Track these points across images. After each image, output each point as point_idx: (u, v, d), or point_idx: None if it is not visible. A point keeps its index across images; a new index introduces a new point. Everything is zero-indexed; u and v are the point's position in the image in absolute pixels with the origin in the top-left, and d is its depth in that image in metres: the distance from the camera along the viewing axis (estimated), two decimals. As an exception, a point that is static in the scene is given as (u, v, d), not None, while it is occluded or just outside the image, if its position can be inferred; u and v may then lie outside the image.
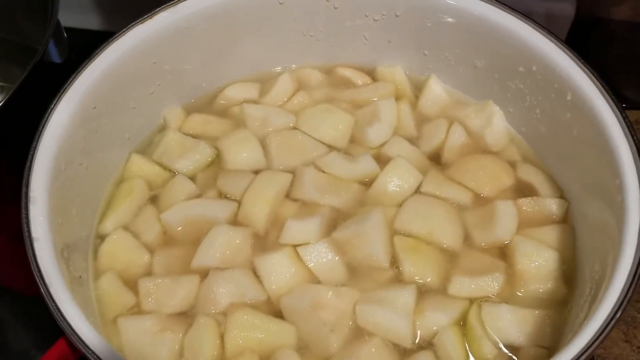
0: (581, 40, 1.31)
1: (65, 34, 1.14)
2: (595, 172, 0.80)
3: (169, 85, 0.98)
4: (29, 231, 0.70)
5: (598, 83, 0.80)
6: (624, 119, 0.76)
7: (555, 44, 0.84)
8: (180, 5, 0.93)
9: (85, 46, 1.06)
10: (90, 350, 0.62)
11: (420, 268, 0.81)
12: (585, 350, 0.61)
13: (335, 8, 0.98)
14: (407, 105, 0.99)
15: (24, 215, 0.71)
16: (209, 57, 1.00)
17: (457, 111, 0.98)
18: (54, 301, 0.65)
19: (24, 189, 0.73)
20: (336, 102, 1.01)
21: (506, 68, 0.91)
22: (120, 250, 0.86)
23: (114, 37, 0.89)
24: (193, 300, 0.81)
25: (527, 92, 0.90)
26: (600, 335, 0.61)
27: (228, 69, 1.04)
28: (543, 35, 0.85)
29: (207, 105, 1.04)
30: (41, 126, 0.79)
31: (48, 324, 1.09)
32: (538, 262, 0.81)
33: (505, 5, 0.88)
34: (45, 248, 0.70)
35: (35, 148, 0.77)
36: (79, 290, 0.76)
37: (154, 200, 0.92)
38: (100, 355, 0.62)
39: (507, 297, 0.80)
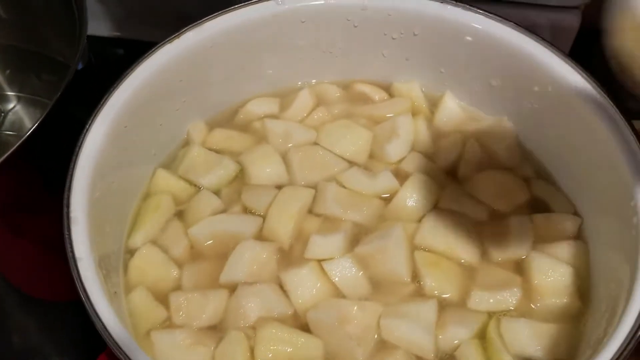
0: (585, 51, 1.34)
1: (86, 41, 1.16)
2: (610, 192, 0.83)
3: (193, 102, 1.01)
4: (72, 251, 0.72)
5: (615, 108, 0.83)
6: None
7: (573, 67, 0.88)
8: (206, 24, 0.96)
9: (99, 51, 1.09)
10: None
11: (441, 283, 0.84)
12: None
13: (355, 27, 1.01)
14: (423, 121, 1.02)
15: (66, 236, 0.74)
16: (231, 74, 1.03)
17: (472, 127, 1.01)
18: (101, 320, 0.68)
19: (65, 209, 0.76)
20: (354, 117, 1.04)
21: (521, 87, 0.95)
22: (150, 265, 0.89)
23: (143, 56, 0.91)
24: (222, 314, 0.84)
25: (542, 112, 0.94)
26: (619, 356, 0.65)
27: (249, 84, 1.07)
28: (558, 57, 0.89)
29: (229, 119, 1.07)
30: (78, 146, 0.82)
31: (72, 331, 1.13)
32: (553, 277, 0.84)
33: (523, 27, 0.91)
34: (89, 268, 0.72)
35: (73, 168, 0.80)
36: (116, 306, 0.79)
37: (180, 215, 0.95)
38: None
39: (524, 311, 0.83)
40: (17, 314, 1.15)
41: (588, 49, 1.36)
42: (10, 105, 1.32)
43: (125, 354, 0.66)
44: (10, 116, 1.32)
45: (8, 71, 1.31)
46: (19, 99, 1.32)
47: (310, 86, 1.09)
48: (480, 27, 0.95)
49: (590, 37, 1.34)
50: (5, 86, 1.31)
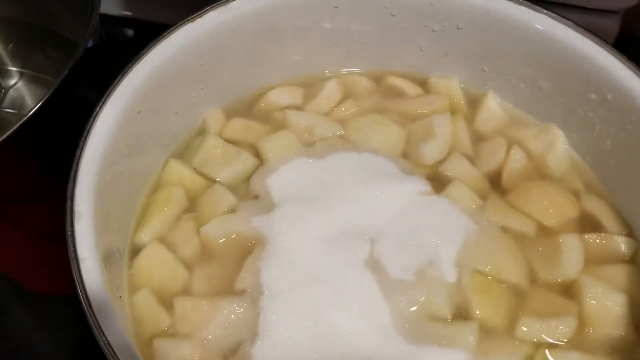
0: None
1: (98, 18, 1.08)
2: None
3: (212, 88, 0.93)
4: (75, 252, 0.64)
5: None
6: None
7: (636, 73, 0.79)
8: (231, 4, 0.88)
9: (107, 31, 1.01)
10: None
11: (489, 310, 0.75)
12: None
13: (393, 15, 0.93)
14: (462, 121, 0.93)
15: (69, 233, 0.65)
16: (254, 59, 0.95)
17: (516, 131, 0.93)
18: (104, 335, 0.59)
19: (68, 203, 0.67)
20: (386, 113, 0.95)
21: (575, 93, 0.86)
22: (157, 266, 0.81)
23: (161, 36, 0.83)
24: (236, 326, 0.75)
25: (597, 121, 0.85)
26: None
27: (272, 71, 0.98)
28: (623, 63, 0.81)
29: (248, 107, 0.98)
30: (86, 132, 0.73)
31: (71, 325, 1.05)
32: (606, 305, 0.76)
33: (582, 27, 0.83)
34: (92, 270, 0.64)
35: (79, 157, 0.71)
36: (120, 312, 0.71)
37: (191, 210, 0.87)
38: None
39: (575, 341, 0.74)
40: (14, 307, 1.08)
41: (626, 55, 1.29)
42: (12, 81, 1.23)
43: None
44: (11, 93, 1.23)
45: (11, 45, 1.22)
46: (21, 75, 1.24)
47: (338, 76, 1.00)
48: (530, 22, 0.86)
49: (629, 43, 1.28)
50: (7, 61, 1.23)
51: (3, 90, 1.22)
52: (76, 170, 0.70)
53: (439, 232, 0.80)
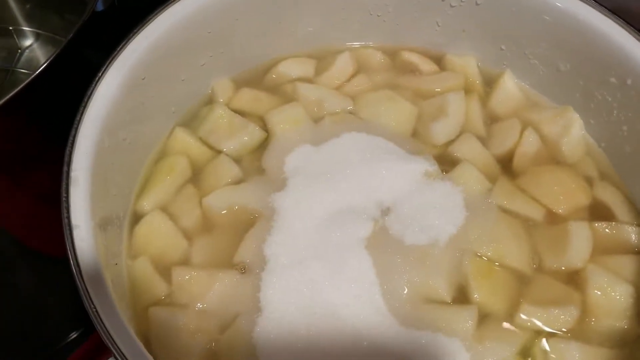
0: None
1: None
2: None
3: (221, 57, 0.91)
4: (68, 217, 0.63)
5: None
6: None
7: (660, 59, 0.76)
8: (243, -29, 0.85)
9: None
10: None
11: (489, 296, 0.74)
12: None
13: (410, -11, 0.90)
14: (477, 101, 0.91)
15: (64, 199, 0.65)
16: (266, 28, 0.93)
17: (531, 113, 0.90)
18: (93, 303, 0.59)
19: (65, 168, 0.67)
20: (399, 89, 0.93)
21: (595, 76, 0.83)
22: (157, 234, 0.80)
23: (169, 1, 0.81)
24: (232, 299, 0.75)
25: (616, 106, 0.82)
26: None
27: (284, 41, 0.96)
28: (646, 47, 0.77)
29: (258, 78, 0.96)
30: (86, 97, 0.72)
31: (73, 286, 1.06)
32: (611, 296, 0.74)
33: (605, 7, 0.79)
34: (85, 237, 0.63)
35: (79, 121, 0.70)
36: (114, 279, 0.70)
37: (194, 180, 0.86)
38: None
39: (575, 331, 0.73)
40: (17, 267, 1.08)
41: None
42: (28, 42, 1.22)
43: (119, 349, 0.57)
44: (27, 53, 1.23)
45: (28, 6, 1.21)
46: (37, 36, 1.23)
47: (352, 49, 0.97)
48: (561, 5, 0.82)
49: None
50: (23, 21, 1.22)
51: (20, 51, 1.22)
52: (74, 135, 0.69)
53: (443, 214, 0.78)
